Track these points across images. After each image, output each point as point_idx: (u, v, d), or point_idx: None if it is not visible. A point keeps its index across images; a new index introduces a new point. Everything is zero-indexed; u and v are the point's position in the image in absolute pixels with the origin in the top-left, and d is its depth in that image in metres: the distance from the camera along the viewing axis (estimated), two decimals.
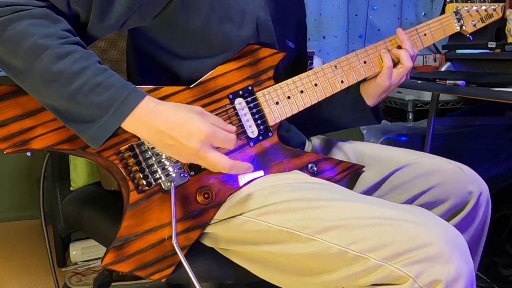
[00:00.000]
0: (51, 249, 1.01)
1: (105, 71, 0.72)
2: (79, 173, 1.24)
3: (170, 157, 0.79)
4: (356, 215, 0.74)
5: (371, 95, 1.00)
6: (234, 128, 0.77)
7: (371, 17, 2.46)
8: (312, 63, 1.69)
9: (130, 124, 0.72)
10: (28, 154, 0.75)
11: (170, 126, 0.72)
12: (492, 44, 1.69)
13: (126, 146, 0.78)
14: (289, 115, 0.89)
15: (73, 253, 1.78)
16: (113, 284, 1.56)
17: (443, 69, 1.91)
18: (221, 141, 0.74)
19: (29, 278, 1.74)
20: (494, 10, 1.10)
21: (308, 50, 1.21)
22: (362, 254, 0.71)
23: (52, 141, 0.75)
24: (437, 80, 1.44)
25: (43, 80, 0.68)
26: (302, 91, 0.90)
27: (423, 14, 2.54)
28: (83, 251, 1.78)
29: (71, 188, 1.24)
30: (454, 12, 1.06)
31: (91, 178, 1.24)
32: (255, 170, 0.86)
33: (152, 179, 0.79)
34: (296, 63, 1.08)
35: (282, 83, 0.89)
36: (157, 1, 0.78)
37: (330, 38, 2.37)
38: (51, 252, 1.01)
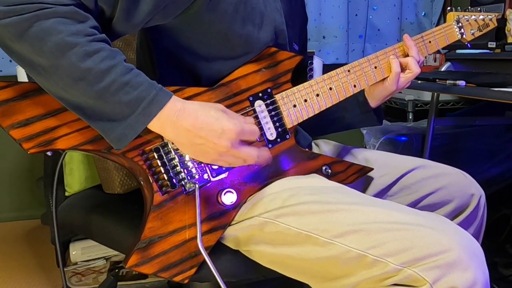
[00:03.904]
0: (58, 250, 1.01)
1: (132, 69, 0.71)
2: (75, 177, 1.21)
3: (194, 158, 0.79)
4: (375, 220, 0.74)
5: (375, 98, 1.01)
6: (252, 119, 0.80)
7: (371, 17, 2.46)
8: (312, 63, 1.69)
9: (156, 124, 0.72)
10: (49, 153, 0.74)
11: (199, 125, 0.73)
12: (492, 44, 1.69)
13: (151, 147, 0.77)
14: (305, 117, 0.91)
15: (73, 253, 1.78)
16: None
17: (443, 69, 1.91)
18: (248, 134, 0.76)
19: (29, 278, 1.74)
20: (490, 19, 1.15)
21: (308, 50, 1.21)
22: (381, 258, 0.71)
23: (77, 141, 0.73)
24: (437, 80, 1.44)
25: (69, 78, 0.67)
26: (318, 95, 0.91)
27: (423, 14, 2.54)
28: (83, 251, 1.78)
29: (66, 194, 1.20)
30: (455, 20, 1.10)
31: (88, 182, 1.22)
32: (273, 171, 0.87)
33: (175, 181, 0.79)
34: (298, 65, 1.09)
35: (299, 86, 0.90)
36: (183, 0, 0.78)
37: (330, 38, 2.37)
38: (61, 253, 1.00)
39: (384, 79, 0.98)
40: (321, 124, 1.08)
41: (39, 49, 0.66)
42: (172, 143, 0.78)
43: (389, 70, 0.97)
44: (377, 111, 1.04)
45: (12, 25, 0.65)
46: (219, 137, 0.73)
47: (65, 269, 1.78)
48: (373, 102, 1.02)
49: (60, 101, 0.71)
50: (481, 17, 1.14)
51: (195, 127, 0.73)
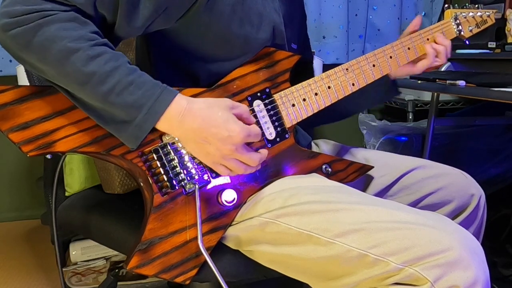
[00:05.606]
0: (57, 250, 1.01)
1: (135, 70, 0.72)
2: (75, 177, 1.21)
3: (194, 159, 0.79)
4: (376, 219, 0.74)
5: (397, 75, 1.06)
6: (253, 119, 0.81)
7: (371, 17, 2.46)
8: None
9: (164, 123, 0.73)
10: (48, 156, 0.74)
11: (206, 126, 0.73)
12: (492, 44, 1.69)
13: (150, 149, 0.78)
14: (304, 117, 0.90)
15: (73, 253, 1.78)
16: None
17: (443, 69, 1.91)
18: (253, 137, 0.77)
19: (29, 278, 1.74)
20: (488, 16, 1.15)
21: None
22: (382, 257, 0.71)
23: (76, 143, 0.74)
24: (437, 80, 1.44)
25: (76, 83, 0.68)
26: (316, 94, 0.91)
27: (423, 14, 2.54)
28: (83, 251, 1.78)
29: (66, 194, 1.21)
30: (453, 17, 1.10)
31: (88, 182, 1.22)
32: (273, 171, 0.87)
33: (175, 182, 0.79)
34: (299, 64, 1.09)
35: (297, 85, 0.90)
36: (183, 3, 0.78)
37: (330, 38, 2.37)
38: (60, 253, 1.00)
39: (414, 61, 1.02)
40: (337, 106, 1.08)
41: (44, 59, 0.67)
42: (181, 141, 0.78)
43: (387, 68, 0.98)
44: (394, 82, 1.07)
45: (18, 36, 0.67)
46: (225, 140, 0.73)
47: (65, 269, 1.77)
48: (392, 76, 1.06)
49: (80, 106, 0.72)
50: (479, 13, 1.13)
51: (201, 128, 0.73)
